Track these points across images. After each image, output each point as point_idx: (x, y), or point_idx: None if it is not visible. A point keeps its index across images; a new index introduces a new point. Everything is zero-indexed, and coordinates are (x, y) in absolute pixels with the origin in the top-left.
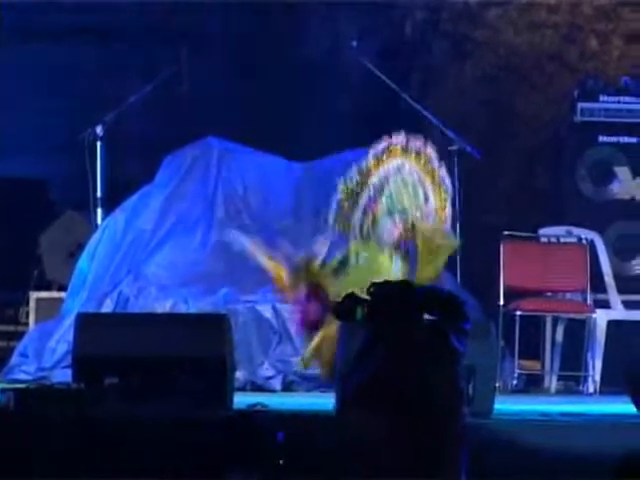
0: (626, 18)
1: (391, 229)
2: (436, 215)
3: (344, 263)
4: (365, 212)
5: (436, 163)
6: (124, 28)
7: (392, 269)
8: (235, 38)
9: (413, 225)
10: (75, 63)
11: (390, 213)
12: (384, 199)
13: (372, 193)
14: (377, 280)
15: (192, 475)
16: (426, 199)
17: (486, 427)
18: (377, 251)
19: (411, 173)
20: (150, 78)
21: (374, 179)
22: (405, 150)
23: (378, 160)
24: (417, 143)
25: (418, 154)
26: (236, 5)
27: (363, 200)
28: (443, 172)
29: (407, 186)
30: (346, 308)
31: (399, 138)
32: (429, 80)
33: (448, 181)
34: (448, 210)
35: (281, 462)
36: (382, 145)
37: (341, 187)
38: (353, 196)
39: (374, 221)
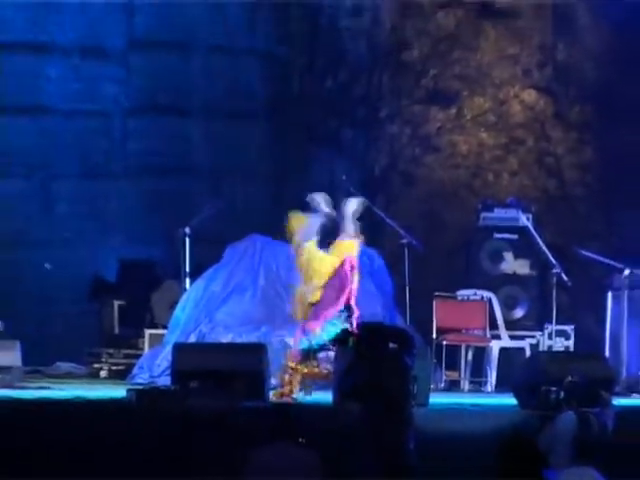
0: (511, 162)
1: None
2: None
3: None
4: None
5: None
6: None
7: None
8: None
9: None
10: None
11: None
12: None
13: None
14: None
15: (243, 441)
16: None
17: (424, 413)
18: None
19: None
20: (217, 199)
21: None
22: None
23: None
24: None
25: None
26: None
27: None
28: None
29: None
30: (342, 338)
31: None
32: (392, 201)
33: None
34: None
35: (301, 439)
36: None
37: None
38: None
39: None
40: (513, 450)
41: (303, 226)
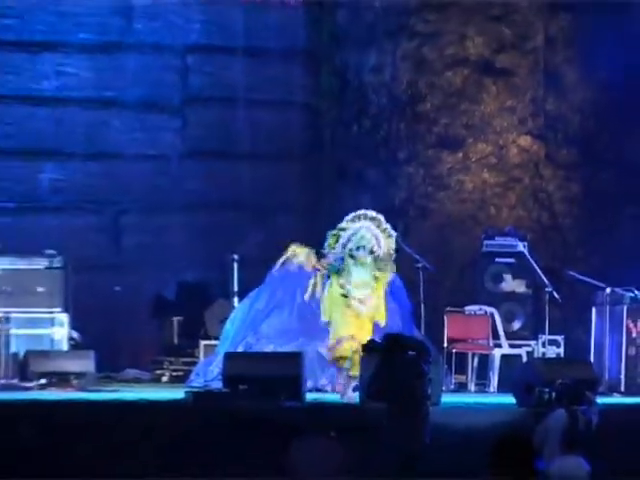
0: (509, 197)
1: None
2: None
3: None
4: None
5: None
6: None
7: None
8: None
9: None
10: (225, 223)
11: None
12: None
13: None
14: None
15: (283, 436)
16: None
17: (437, 411)
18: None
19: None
20: (260, 230)
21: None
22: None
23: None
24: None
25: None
26: None
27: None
28: (389, 226)
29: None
30: (368, 347)
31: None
32: (408, 231)
33: (393, 232)
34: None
35: (332, 434)
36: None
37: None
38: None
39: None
40: (511, 442)
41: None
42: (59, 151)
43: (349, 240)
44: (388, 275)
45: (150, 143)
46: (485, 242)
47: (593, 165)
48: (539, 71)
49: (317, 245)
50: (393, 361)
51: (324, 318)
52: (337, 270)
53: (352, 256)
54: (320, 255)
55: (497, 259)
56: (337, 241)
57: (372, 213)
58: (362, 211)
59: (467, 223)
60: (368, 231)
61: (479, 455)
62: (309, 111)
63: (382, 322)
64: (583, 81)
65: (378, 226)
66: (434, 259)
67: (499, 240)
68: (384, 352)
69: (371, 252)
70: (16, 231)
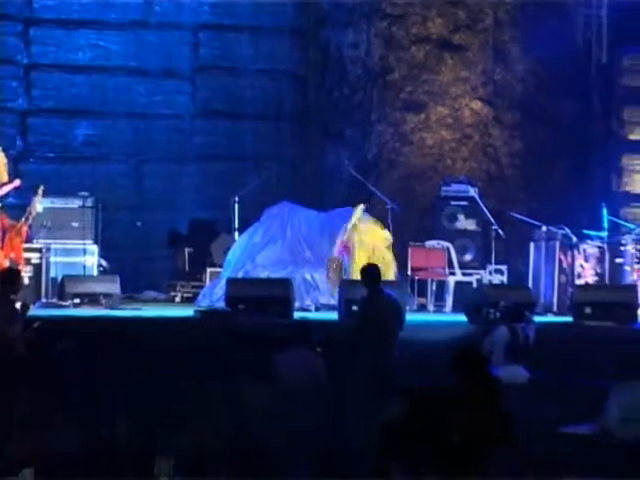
0: (463, 151)
1: None
2: None
3: None
4: None
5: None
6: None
7: None
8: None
9: None
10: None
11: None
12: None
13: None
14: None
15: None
16: None
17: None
18: None
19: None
20: (258, 177)
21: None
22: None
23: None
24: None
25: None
26: None
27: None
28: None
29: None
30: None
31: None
32: (379, 179)
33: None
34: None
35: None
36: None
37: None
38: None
39: None
40: (465, 353)
41: None
42: (92, 111)
43: None
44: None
45: (167, 105)
46: (443, 188)
47: (532, 125)
48: (489, 47)
49: (305, 189)
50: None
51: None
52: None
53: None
54: None
55: (452, 202)
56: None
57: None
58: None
59: (428, 173)
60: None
61: (438, 363)
62: (298, 79)
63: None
64: (525, 55)
65: None
66: (401, 202)
67: (454, 187)
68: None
69: None
70: (56, 176)
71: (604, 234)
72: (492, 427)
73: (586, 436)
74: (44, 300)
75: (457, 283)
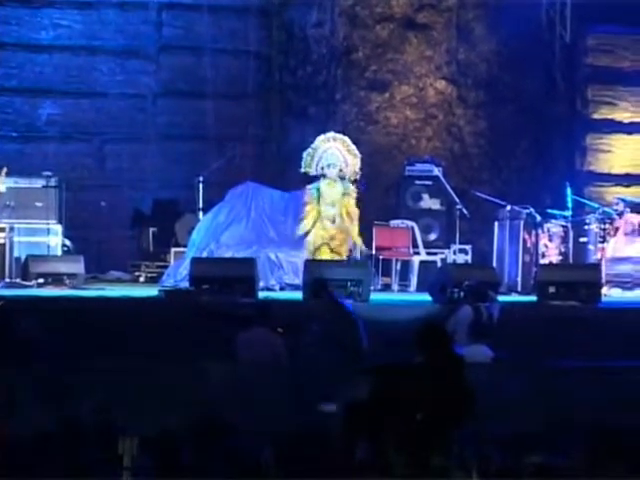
0: (427, 130)
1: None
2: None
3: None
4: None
5: (351, 145)
6: None
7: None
8: None
9: (341, 170)
10: (192, 150)
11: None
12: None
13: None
14: None
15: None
16: (346, 160)
17: (366, 306)
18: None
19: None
20: (221, 157)
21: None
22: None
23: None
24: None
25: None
26: None
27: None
28: (354, 148)
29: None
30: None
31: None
32: None
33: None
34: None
35: (279, 329)
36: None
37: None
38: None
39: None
40: (429, 332)
41: None
42: (55, 90)
43: (321, 158)
44: (354, 193)
45: (130, 84)
46: (407, 168)
47: (496, 104)
48: (453, 27)
49: (269, 168)
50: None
51: (299, 232)
52: (317, 196)
53: (324, 175)
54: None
55: (417, 182)
56: (312, 159)
57: (340, 135)
58: (331, 133)
59: (392, 152)
60: (337, 150)
61: (402, 342)
62: (262, 58)
63: (354, 236)
64: (489, 35)
65: (345, 147)
66: (365, 181)
67: (418, 166)
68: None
69: (340, 170)
70: (19, 156)
71: (568, 213)
72: (455, 404)
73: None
74: (8, 280)
75: (421, 263)
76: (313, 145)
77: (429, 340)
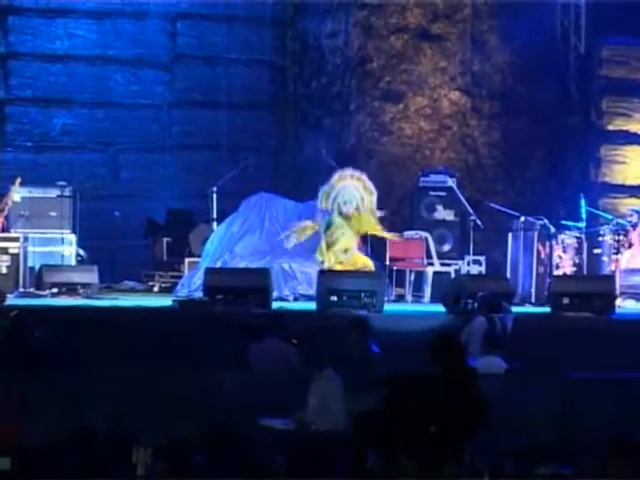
0: (441, 141)
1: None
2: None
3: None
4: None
5: (368, 181)
6: None
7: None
8: None
9: (357, 208)
10: (206, 160)
11: (345, 203)
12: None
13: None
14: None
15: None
16: (362, 197)
17: (380, 317)
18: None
19: (354, 186)
20: (235, 167)
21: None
22: (351, 176)
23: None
24: (356, 172)
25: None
26: None
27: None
28: (371, 185)
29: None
30: None
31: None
32: (357, 169)
33: (374, 188)
34: (374, 202)
35: (294, 341)
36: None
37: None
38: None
39: (339, 206)
40: (443, 343)
41: None
42: (69, 100)
43: (337, 195)
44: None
45: (144, 94)
46: (421, 179)
47: (511, 116)
48: (467, 37)
49: (283, 179)
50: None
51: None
52: (328, 225)
53: (340, 212)
54: None
55: (431, 192)
56: (328, 197)
57: (357, 173)
58: (349, 170)
59: (406, 163)
60: (354, 188)
61: (416, 353)
62: (276, 69)
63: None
64: (503, 46)
65: (362, 184)
66: (379, 192)
67: (432, 177)
68: None
69: (356, 208)
70: (33, 165)
71: (582, 225)
72: (469, 415)
73: (283, 429)
74: (22, 289)
75: (435, 273)
76: (330, 182)
77: (443, 351)
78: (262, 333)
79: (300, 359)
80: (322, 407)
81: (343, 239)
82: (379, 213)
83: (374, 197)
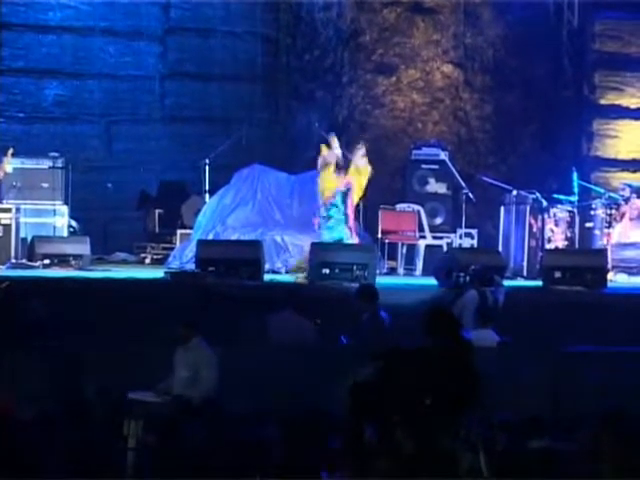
0: (434, 114)
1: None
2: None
3: None
4: None
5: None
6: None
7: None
8: None
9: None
10: (199, 132)
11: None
12: None
13: None
14: None
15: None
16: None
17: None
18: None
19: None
20: (227, 139)
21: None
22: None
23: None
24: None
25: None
26: None
27: None
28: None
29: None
30: None
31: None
32: (350, 141)
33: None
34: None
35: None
36: None
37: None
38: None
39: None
40: (439, 315)
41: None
42: (62, 71)
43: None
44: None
45: (137, 66)
46: (413, 152)
47: (502, 89)
48: (460, 11)
49: (275, 151)
50: None
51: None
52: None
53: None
54: None
55: (423, 165)
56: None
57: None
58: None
59: (398, 136)
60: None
61: (408, 326)
62: (269, 41)
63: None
64: (496, 19)
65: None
66: (371, 165)
67: (425, 150)
68: None
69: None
70: (25, 136)
71: (574, 198)
72: (464, 388)
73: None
74: (13, 261)
75: (427, 247)
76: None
77: (439, 324)
78: (255, 305)
79: (315, 332)
80: (194, 377)
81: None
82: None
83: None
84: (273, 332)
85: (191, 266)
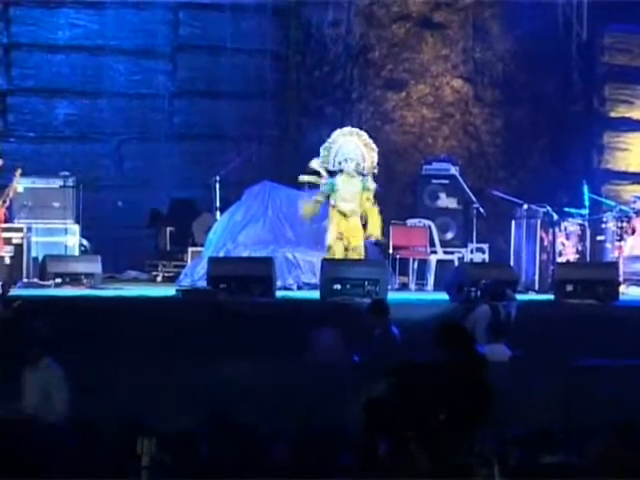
0: (444, 129)
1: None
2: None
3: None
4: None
5: (368, 139)
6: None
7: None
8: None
9: (358, 165)
10: (209, 150)
11: (346, 160)
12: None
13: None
14: None
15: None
16: (363, 154)
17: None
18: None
19: (354, 142)
20: (238, 156)
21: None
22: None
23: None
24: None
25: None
26: None
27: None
28: (371, 142)
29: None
30: None
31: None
32: None
33: (374, 145)
34: (375, 158)
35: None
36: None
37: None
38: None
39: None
40: (453, 330)
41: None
42: (72, 90)
43: (337, 152)
44: (372, 186)
45: (146, 84)
46: (424, 167)
47: (512, 104)
48: (469, 25)
49: (285, 168)
50: None
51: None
52: (332, 189)
53: (341, 170)
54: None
55: (433, 180)
56: (329, 153)
57: (356, 130)
58: (348, 128)
59: (409, 151)
60: (354, 144)
61: (420, 341)
62: (278, 58)
63: (374, 233)
64: (505, 34)
65: (363, 141)
66: (382, 181)
67: (435, 165)
68: None
69: (357, 165)
70: (36, 156)
71: (585, 212)
72: (478, 402)
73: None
74: (25, 280)
75: (438, 262)
76: (330, 139)
77: (453, 339)
78: (267, 322)
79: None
80: (44, 397)
81: (349, 196)
82: (373, 182)
83: (375, 154)
84: (314, 350)
85: (203, 284)
